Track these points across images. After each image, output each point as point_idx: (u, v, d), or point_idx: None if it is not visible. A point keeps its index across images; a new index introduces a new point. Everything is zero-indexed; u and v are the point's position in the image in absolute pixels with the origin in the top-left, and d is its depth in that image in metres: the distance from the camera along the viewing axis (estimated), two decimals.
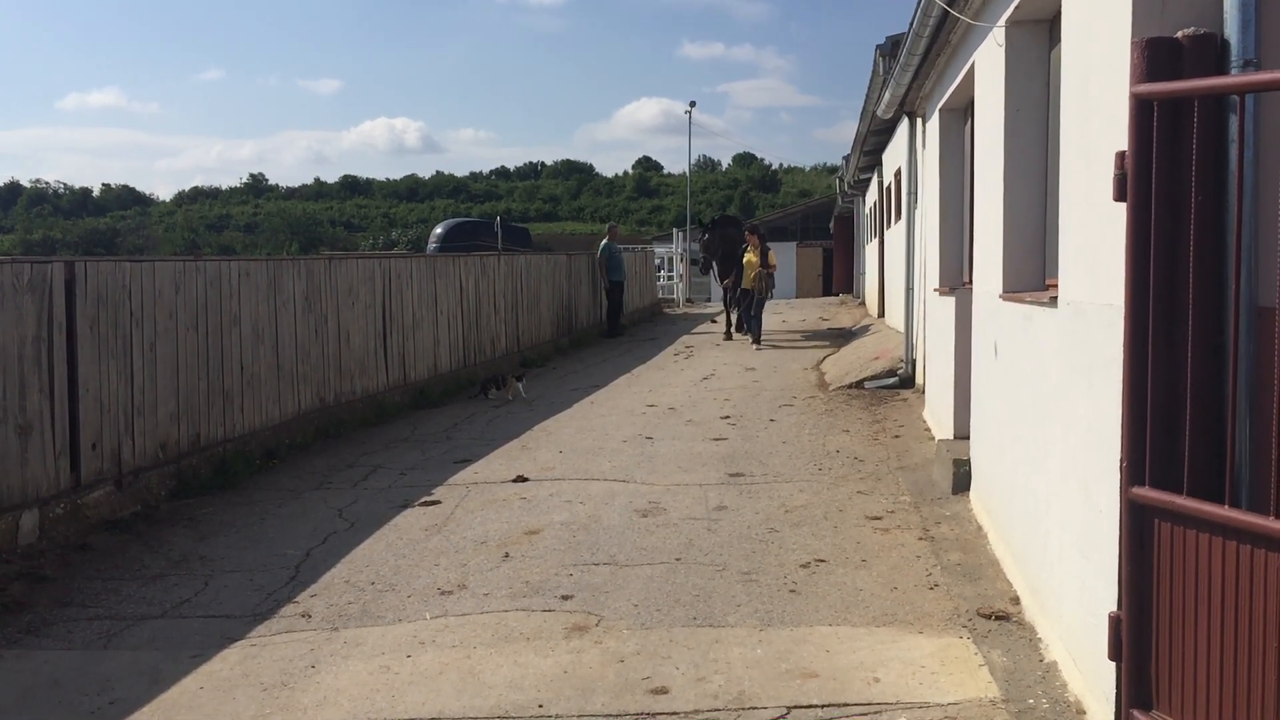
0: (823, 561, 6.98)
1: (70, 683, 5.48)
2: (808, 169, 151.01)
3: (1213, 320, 3.88)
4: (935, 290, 10.63)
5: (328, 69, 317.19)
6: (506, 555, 7.31)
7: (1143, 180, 3.99)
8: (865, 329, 21.40)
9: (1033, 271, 6.78)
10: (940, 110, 10.47)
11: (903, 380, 13.53)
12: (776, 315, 27.97)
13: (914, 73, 10.52)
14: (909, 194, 13.39)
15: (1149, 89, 3.94)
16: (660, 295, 34.59)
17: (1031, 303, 5.94)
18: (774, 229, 57.49)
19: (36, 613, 6.54)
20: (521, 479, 9.43)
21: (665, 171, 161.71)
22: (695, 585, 6.57)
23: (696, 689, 5.03)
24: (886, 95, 12.19)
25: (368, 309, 13.10)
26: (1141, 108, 3.98)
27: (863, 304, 29.72)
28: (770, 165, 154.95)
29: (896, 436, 10.83)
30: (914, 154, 13.15)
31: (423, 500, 8.84)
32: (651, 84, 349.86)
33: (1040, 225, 6.79)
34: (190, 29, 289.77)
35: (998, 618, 5.82)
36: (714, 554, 7.19)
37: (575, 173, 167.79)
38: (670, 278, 37.84)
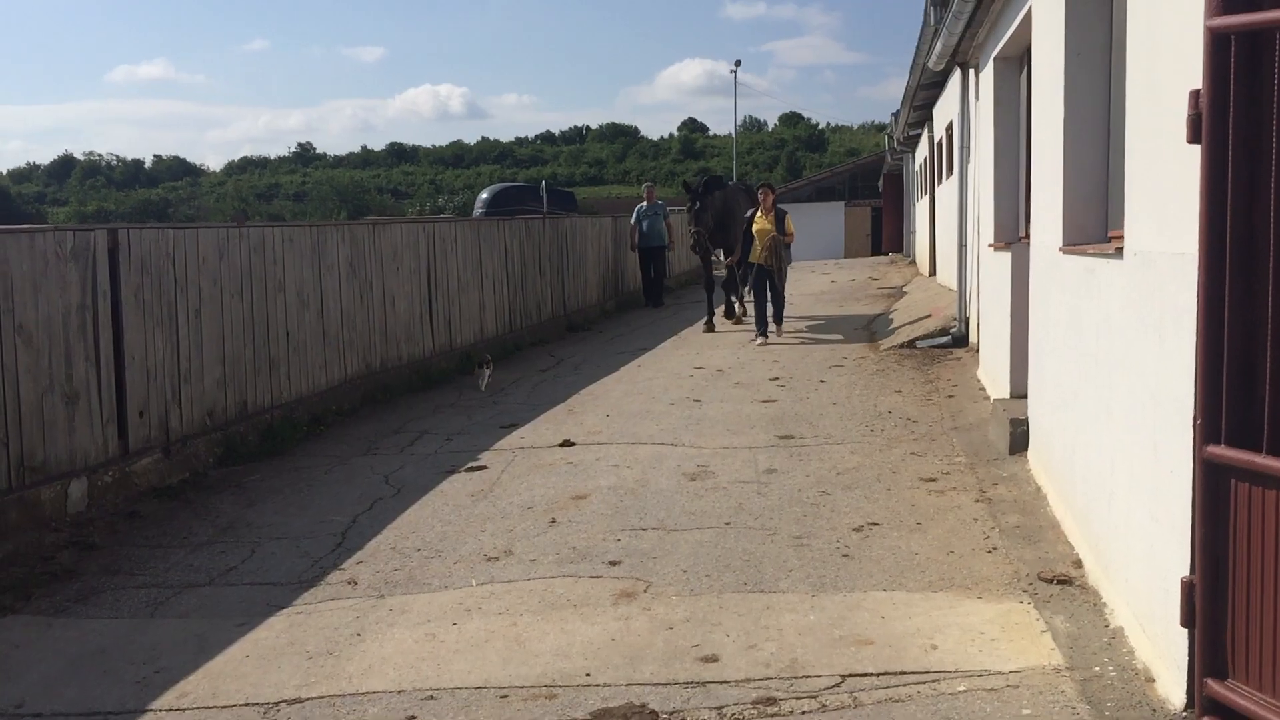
0: (876, 525, 6.81)
1: (117, 651, 5.46)
2: (855, 127, 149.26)
3: None
4: (990, 246, 10.35)
5: (371, 37, 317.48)
6: (553, 521, 7.20)
7: (1219, 120, 3.76)
8: (917, 288, 21.04)
9: (1095, 223, 6.52)
10: (995, 59, 10.14)
11: (955, 339, 13.25)
12: (825, 275, 27.67)
13: (967, 20, 10.19)
14: (961, 148, 13.05)
15: (1225, 22, 3.70)
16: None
17: (1095, 254, 5.69)
18: (821, 189, 57.03)
19: (85, 581, 6.53)
20: (568, 443, 9.32)
21: (711, 133, 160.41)
22: (745, 550, 6.42)
23: (747, 657, 4.90)
24: (938, 46, 11.84)
25: (413, 274, 13.01)
26: (1218, 42, 3.74)
27: (913, 263, 29.27)
28: (817, 124, 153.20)
29: (950, 396, 10.60)
30: (966, 106, 12.81)
31: (469, 466, 8.76)
32: (694, 45, 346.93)
33: (1102, 175, 6.52)
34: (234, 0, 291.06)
35: (1060, 581, 5.63)
36: (764, 518, 7.04)
37: (620, 136, 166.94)
38: None
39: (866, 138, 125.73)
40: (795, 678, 4.65)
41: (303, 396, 10.69)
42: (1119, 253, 5.10)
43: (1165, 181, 4.32)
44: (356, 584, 6.26)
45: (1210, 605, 3.87)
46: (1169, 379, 4.26)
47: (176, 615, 5.94)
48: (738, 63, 59.48)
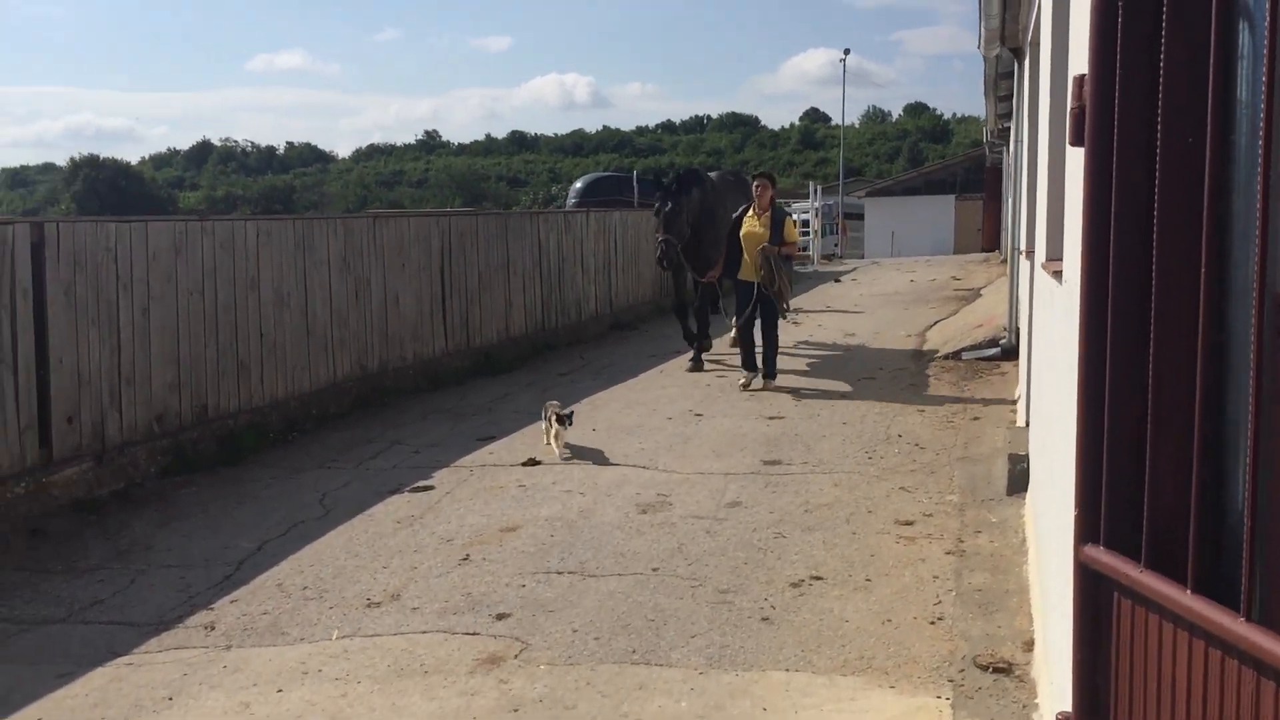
0: (819, 579, 5.87)
1: None
2: (983, 118, 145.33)
3: (1208, 311, 2.66)
4: (1020, 250, 9.26)
5: (499, 26, 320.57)
6: (466, 558, 6.43)
7: (1104, 113, 2.79)
8: (994, 291, 19.73)
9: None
10: (1029, 45, 9.03)
11: (1005, 351, 12.09)
12: (907, 274, 26.34)
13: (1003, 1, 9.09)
14: (1015, 141, 11.89)
15: None
16: None
17: (1050, 273, 4.70)
18: (932, 181, 55.06)
19: None
20: (533, 461, 8.53)
21: (833, 123, 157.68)
22: (657, 606, 5.56)
23: None
24: (983, 29, 10.71)
25: (421, 270, 12.35)
26: (1104, 9, 2.77)
27: (1004, 261, 27.74)
28: (942, 115, 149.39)
29: (976, 419, 9.51)
30: (1017, 98, 11.64)
31: (415, 485, 8.03)
32: (820, 34, 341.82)
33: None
34: None
35: (997, 670, 4.65)
36: (699, 564, 6.16)
37: (740, 125, 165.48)
38: (804, 234, 36.29)
39: None
40: None
41: (280, 400, 10.10)
42: (1058, 275, 4.12)
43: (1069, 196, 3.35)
44: (213, 629, 5.57)
45: None
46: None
47: (6, 659, 5.33)
48: (846, 51, 58.08)
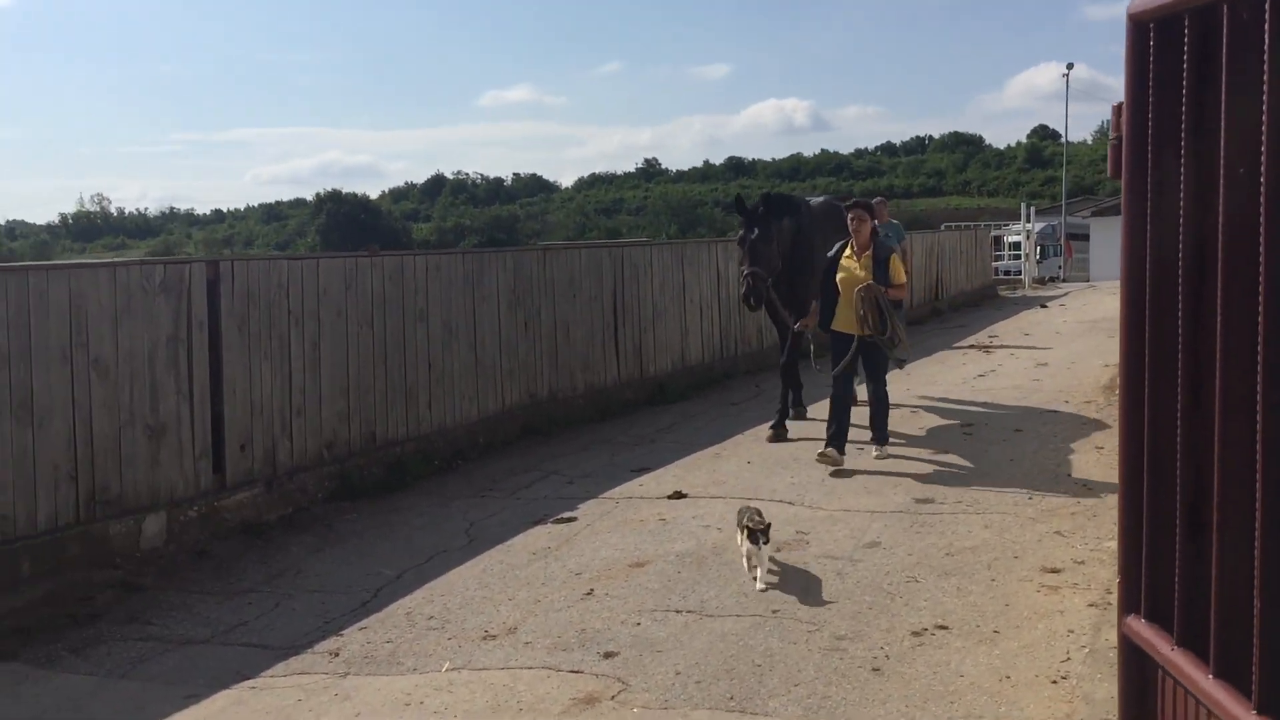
0: (944, 629, 5.61)
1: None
2: None
3: (1245, 360, 2.42)
4: None
5: (717, 54, 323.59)
6: (590, 592, 6.45)
7: (1138, 143, 2.58)
8: None
9: None
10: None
11: None
12: (1118, 299, 24.93)
13: None
14: None
15: (1146, 5, 2.53)
16: (1002, 276, 32.15)
17: None
18: None
19: (98, 628, 6.41)
20: (678, 495, 8.49)
21: (1062, 140, 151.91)
22: (767, 650, 5.43)
23: None
24: None
25: (592, 300, 12.52)
26: (1138, 34, 2.57)
27: None
28: None
29: None
30: None
31: (559, 516, 8.12)
32: (1049, 49, 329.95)
33: None
34: (591, 26, 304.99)
35: None
36: (822, 607, 5.98)
37: (962, 145, 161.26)
38: (1015, 257, 35.03)
39: None
40: None
41: (447, 428, 10.41)
42: None
43: None
44: (337, 656, 5.77)
45: None
46: None
47: (144, 678, 5.67)
48: (1069, 66, 55.98)
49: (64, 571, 7.05)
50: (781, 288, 10.75)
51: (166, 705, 5.26)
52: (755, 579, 6.36)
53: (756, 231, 10.40)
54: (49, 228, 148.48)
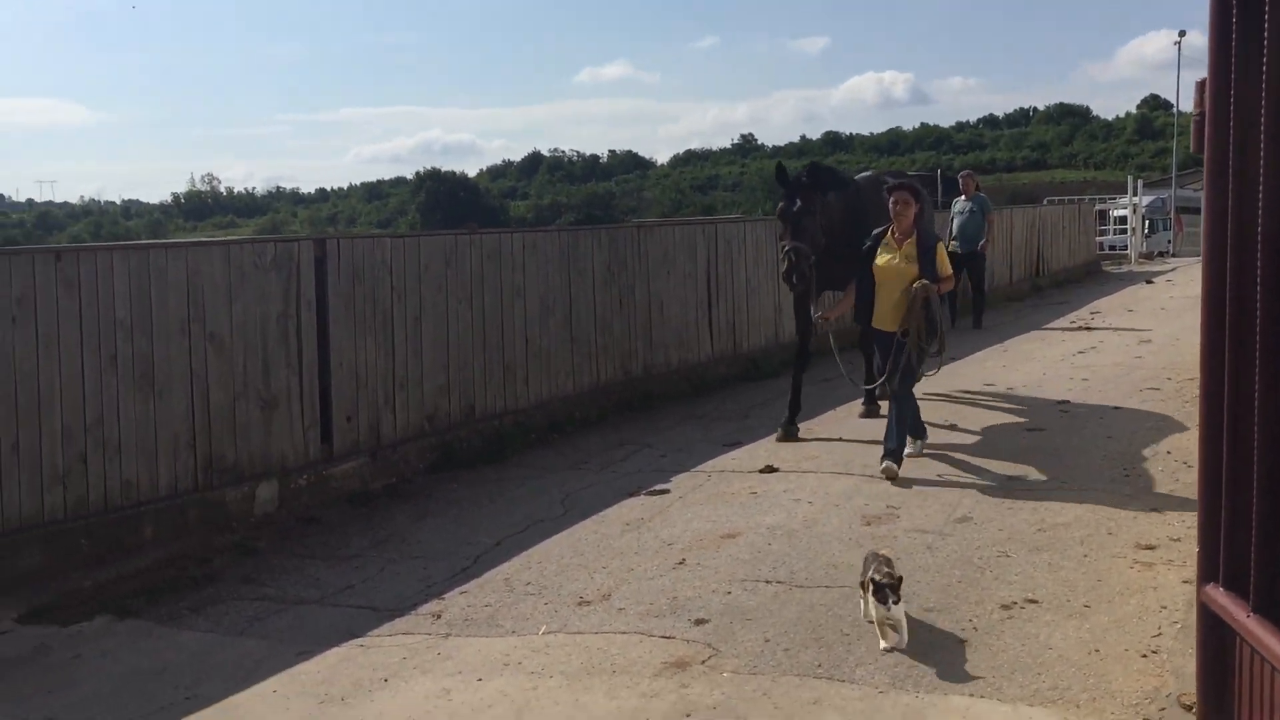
0: (1033, 602, 5.66)
1: (174, 671, 5.55)
2: None
3: None
4: None
5: (815, 27, 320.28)
6: (682, 562, 6.61)
7: (1221, 120, 2.63)
8: None
9: None
10: None
11: None
12: None
13: None
14: None
15: None
16: (1108, 251, 31.51)
17: None
18: None
19: (216, 588, 6.76)
20: (770, 469, 8.61)
21: (1174, 110, 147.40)
22: (855, 620, 5.54)
23: None
24: None
25: (687, 277, 12.65)
26: (1220, 7, 2.62)
27: None
28: None
29: None
30: None
31: (652, 489, 8.30)
32: (1161, 15, 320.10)
33: None
34: (687, 1, 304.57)
35: None
36: (911, 580, 6.02)
37: (1068, 116, 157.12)
38: (1121, 232, 34.29)
39: None
40: None
41: (543, 402, 10.64)
42: None
43: None
44: (439, 618, 6.03)
45: None
46: None
47: (259, 635, 5.98)
48: (1181, 33, 54.25)
49: (184, 535, 7.45)
50: (828, 266, 9.58)
51: (281, 661, 5.55)
52: (881, 639, 5.20)
53: (799, 204, 9.37)
54: (162, 207, 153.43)
